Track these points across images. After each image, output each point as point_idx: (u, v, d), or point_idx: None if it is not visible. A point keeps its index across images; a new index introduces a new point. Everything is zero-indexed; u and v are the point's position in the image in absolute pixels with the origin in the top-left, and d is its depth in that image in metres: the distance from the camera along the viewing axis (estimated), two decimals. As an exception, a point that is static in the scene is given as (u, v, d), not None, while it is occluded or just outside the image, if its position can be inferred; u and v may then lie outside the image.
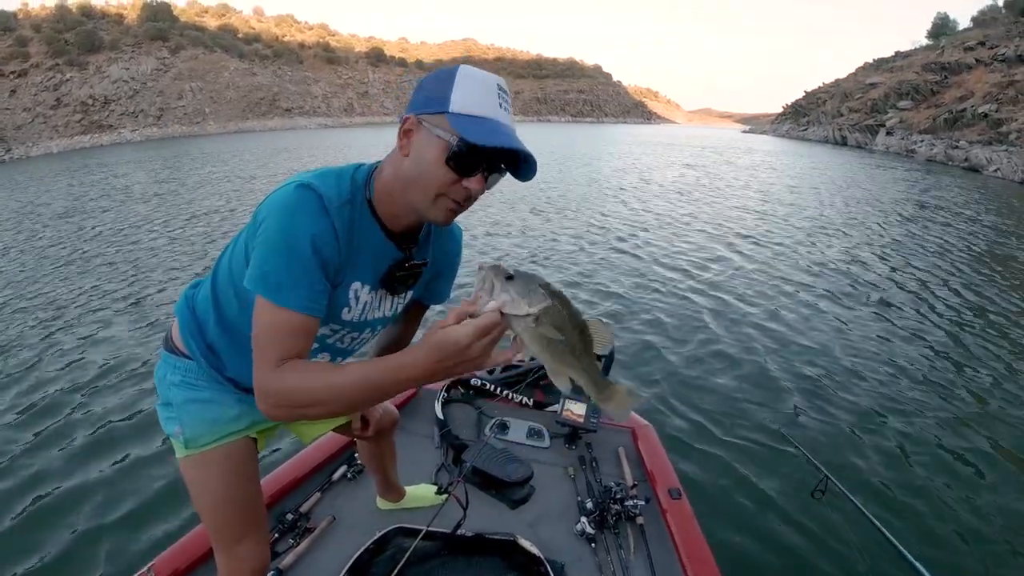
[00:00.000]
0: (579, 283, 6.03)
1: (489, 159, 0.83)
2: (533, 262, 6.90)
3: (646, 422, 2.33)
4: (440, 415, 2.22)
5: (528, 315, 0.65)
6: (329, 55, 69.72)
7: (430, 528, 1.50)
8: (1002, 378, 4.15)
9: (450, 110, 0.81)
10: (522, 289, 0.66)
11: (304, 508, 1.77)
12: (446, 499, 1.57)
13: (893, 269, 7.09)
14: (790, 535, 2.45)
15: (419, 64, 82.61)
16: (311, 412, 0.80)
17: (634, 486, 1.90)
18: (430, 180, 0.84)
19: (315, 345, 1.01)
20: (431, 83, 0.86)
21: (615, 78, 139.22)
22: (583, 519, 1.76)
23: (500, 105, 0.84)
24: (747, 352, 4.38)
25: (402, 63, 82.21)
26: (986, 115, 27.71)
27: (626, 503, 1.78)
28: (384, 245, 0.96)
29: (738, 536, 2.42)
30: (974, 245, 8.58)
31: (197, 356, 1.11)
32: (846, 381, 3.96)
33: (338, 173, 0.91)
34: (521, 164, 0.89)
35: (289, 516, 1.72)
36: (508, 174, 0.90)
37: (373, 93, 70.41)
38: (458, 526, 1.60)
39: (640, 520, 1.77)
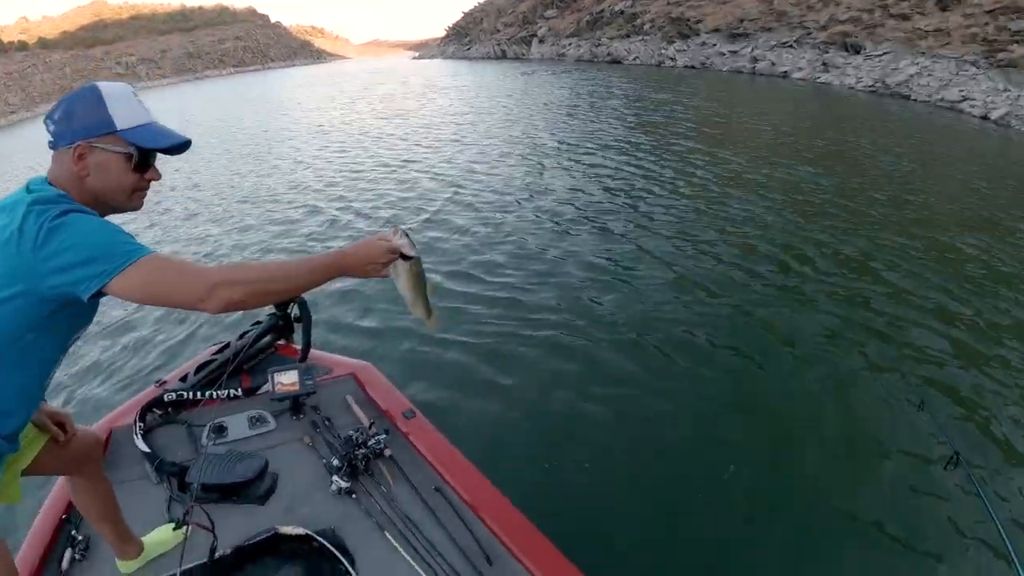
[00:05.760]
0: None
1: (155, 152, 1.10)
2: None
3: (364, 362, 2.40)
4: (145, 448, 1.95)
5: (412, 258, 1.17)
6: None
7: (185, 568, 1.41)
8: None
9: (119, 128, 1.04)
10: (410, 243, 1.16)
11: None
12: (187, 530, 1.45)
13: (574, 160, 8.45)
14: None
15: (43, 43, 69.75)
16: (267, 288, 1.04)
17: (371, 424, 2.01)
18: (124, 185, 1.07)
19: (59, 348, 1.11)
20: (81, 110, 1.02)
21: (273, 19, 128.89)
22: (334, 478, 1.81)
23: (143, 106, 1.09)
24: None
25: (23, 47, 68.59)
26: (622, 12, 32.74)
27: (369, 443, 1.89)
28: None
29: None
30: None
31: None
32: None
33: (30, 194, 0.99)
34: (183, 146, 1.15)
35: None
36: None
37: (-7, 89, 51.90)
38: (214, 550, 1.53)
39: (388, 452, 1.91)
